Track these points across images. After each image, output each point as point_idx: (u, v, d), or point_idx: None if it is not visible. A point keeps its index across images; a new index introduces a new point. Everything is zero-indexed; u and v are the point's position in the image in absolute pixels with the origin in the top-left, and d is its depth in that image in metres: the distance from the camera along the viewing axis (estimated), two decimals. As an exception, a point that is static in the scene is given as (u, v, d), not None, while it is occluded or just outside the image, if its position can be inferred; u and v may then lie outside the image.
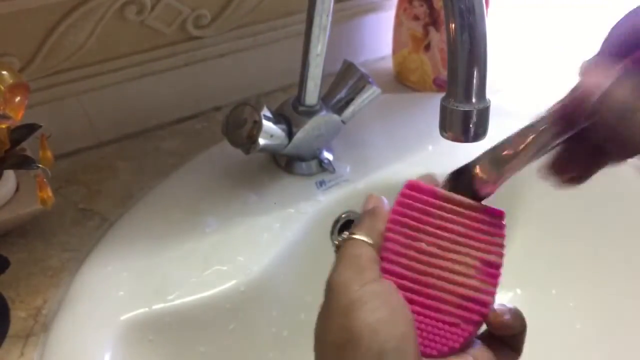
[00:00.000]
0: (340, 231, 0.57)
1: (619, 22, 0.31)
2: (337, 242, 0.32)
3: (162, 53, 0.60)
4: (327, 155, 0.57)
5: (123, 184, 0.56)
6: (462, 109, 0.36)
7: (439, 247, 0.32)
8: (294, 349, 0.53)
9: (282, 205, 0.53)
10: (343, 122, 0.55)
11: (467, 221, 0.33)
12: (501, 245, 0.32)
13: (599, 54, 0.31)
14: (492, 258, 0.32)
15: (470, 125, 0.36)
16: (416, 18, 0.66)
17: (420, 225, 0.32)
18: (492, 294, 0.31)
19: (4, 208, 0.48)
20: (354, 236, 0.32)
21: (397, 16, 0.68)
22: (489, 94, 0.36)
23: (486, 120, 0.37)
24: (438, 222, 0.32)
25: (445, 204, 0.33)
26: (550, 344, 0.57)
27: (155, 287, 0.46)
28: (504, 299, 0.59)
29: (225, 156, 0.57)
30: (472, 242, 0.32)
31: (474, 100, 0.36)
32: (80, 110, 0.58)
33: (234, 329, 0.49)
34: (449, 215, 0.33)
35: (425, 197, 0.33)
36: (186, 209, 0.53)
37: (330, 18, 0.49)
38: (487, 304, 0.31)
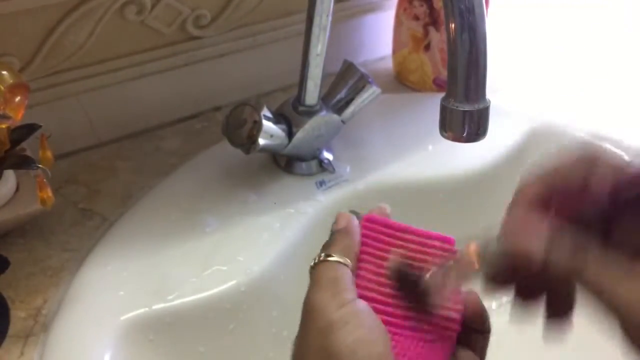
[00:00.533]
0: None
1: (536, 175, 0.30)
2: (311, 264, 0.33)
3: (162, 53, 0.60)
4: (327, 155, 0.57)
5: (123, 184, 0.56)
6: (462, 109, 0.36)
7: None
8: (294, 349, 0.53)
9: (282, 205, 0.53)
10: (343, 122, 0.55)
11: (426, 249, 0.34)
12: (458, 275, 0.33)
13: (517, 205, 0.30)
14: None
15: (471, 125, 0.36)
16: (416, 18, 0.66)
17: (386, 255, 0.34)
18: (460, 311, 0.33)
19: (4, 208, 0.48)
20: (330, 259, 0.32)
21: (397, 16, 0.68)
22: (489, 94, 0.36)
23: (486, 120, 0.37)
24: (401, 251, 0.34)
25: (403, 235, 0.35)
26: (549, 345, 0.57)
27: (155, 287, 0.46)
28: (503, 299, 0.59)
29: (225, 156, 0.57)
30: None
31: (474, 100, 0.36)
32: (80, 110, 0.58)
33: (234, 329, 0.49)
34: (409, 245, 0.34)
35: (385, 229, 0.35)
36: (186, 209, 0.53)
37: (330, 18, 0.49)
38: (457, 321, 0.32)
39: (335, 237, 0.34)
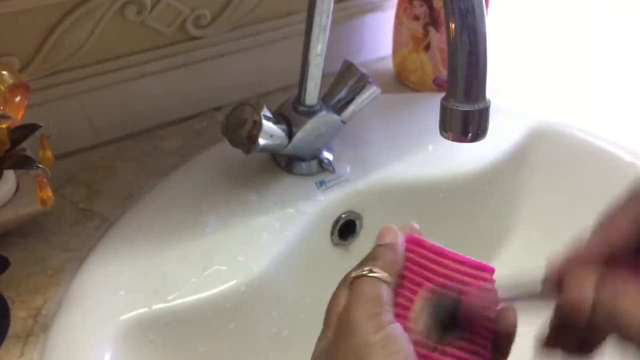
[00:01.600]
0: (340, 231, 0.57)
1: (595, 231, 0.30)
2: (353, 275, 0.31)
3: (162, 53, 0.60)
4: (327, 155, 0.57)
5: (123, 184, 0.56)
6: (462, 109, 0.36)
7: None
8: (294, 349, 0.53)
9: (282, 205, 0.53)
10: (343, 122, 0.55)
11: (464, 277, 0.33)
12: (496, 301, 0.33)
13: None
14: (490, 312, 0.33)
15: (470, 125, 0.36)
16: (416, 18, 0.66)
17: (424, 281, 0.33)
18: (491, 339, 0.32)
19: (4, 208, 0.48)
20: (374, 275, 0.31)
21: (397, 16, 0.68)
22: (489, 94, 0.36)
23: (486, 120, 0.37)
24: (439, 279, 0.33)
25: (443, 260, 0.34)
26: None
27: (155, 287, 0.46)
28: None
29: (225, 156, 0.57)
30: None
31: (474, 100, 0.36)
32: (80, 110, 0.58)
33: (234, 329, 0.49)
34: (448, 272, 0.33)
35: (426, 253, 0.33)
36: (186, 209, 0.53)
37: (330, 18, 0.49)
38: (487, 347, 0.32)
39: (379, 252, 0.33)
